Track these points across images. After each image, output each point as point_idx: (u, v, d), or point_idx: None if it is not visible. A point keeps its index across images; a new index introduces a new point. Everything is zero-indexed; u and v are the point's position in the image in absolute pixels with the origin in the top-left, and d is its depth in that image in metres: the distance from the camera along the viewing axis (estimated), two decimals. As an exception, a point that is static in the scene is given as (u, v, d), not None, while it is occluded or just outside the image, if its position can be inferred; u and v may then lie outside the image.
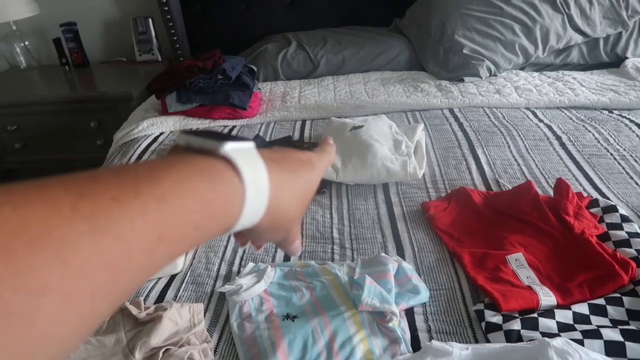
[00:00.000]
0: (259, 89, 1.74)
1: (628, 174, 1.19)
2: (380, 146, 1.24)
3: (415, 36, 1.97)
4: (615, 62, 1.92)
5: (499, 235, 0.97)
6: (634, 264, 0.84)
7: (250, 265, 0.93)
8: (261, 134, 1.50)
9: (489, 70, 1.78)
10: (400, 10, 2.15)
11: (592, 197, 1.04)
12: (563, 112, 1.54)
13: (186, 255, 0.95)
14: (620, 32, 1.90)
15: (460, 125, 1.47)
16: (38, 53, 2.38)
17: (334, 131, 1.38)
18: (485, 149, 1.32)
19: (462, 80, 1.74)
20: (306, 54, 1.96)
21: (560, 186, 1.02)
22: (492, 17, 1.86)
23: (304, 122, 1.59)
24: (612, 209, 0.99)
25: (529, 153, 1.29)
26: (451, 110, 1.57)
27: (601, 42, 1.91)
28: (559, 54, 1.91)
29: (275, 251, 0.99)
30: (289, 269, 0.91)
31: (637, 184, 1.14)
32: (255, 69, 1.79)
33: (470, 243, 0.97)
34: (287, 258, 0.97)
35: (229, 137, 0.29)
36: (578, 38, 1.88)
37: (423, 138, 1.35)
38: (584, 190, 1.13)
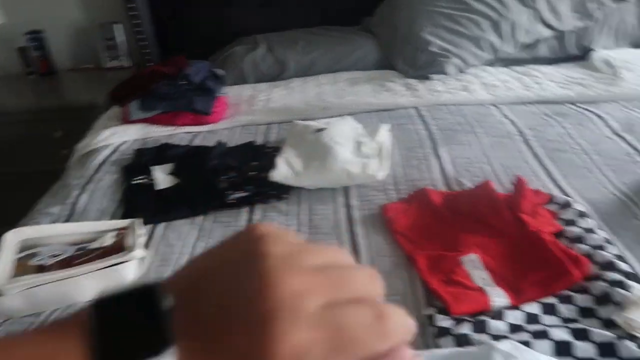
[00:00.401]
0: (226, 93, 1.72)
1: (588, 168, 1.18)
2: (341, 149, 1.23)
3: (384, 35, 1.96)
4: (583, 55, 1.91)
5: (456, 236, 0.96)
6: (585, 260, 0.84)
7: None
8: (225, 139, 1.48)
9: (457, 67, 1.77)
10: (371, 8, 2.14)
11: (550, 193, 1.04)
12: (529, 107, 1.54)
13: (137, 269, 0.93)
14: (588, 25, 1.90)
15: (426, 124, 1.46)
16: (2, 62, 2.33)
17: (296, 134, 1.36)
18: (448, 147, 1.31)
19: (429, 78, 1.73)
20: (275, 56, 1.94)
21: (518, 184, 1.02)
22: (458, 14, 1.85)
23: (270, 126, 1.57)
24: (568, 204, 0.98)
25: (493, 150, 1.29)
26: (417, 109, 1.56)
27: (569, 36, 1.91)
28: (528, 48, 1.91)
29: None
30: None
31: (596, 178, 1.14)
32: (224, 73, 1.77)
33: (427, 245, 0.96)
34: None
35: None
36: (546, 32, 1.87)
37: (388, 139, 1.34)
38: (544, 186, 1.12)
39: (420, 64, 1.79)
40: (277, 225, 0.25)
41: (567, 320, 0.76)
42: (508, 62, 1.91)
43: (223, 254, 0.24)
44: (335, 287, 0.22)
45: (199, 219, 1.12)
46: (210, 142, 1.46)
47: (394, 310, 0.23)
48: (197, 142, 1.48)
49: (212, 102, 1.57)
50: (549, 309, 0.78)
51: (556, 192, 1.09)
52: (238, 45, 2.03)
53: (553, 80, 1.70)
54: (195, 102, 1.53)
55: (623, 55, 1.82)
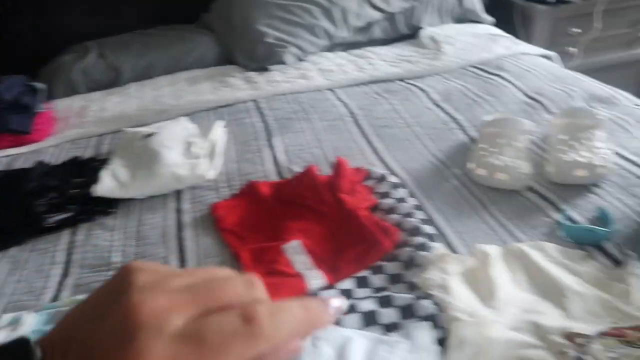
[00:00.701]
0: (51, 107, 1.58)
1: (410, 140, 1.25)
2: (169, 152, 1.18)
3: (221, 30, 1.92)
4: (414, 34, 2.03)
5: (281, 225, 0.96)
6: (395, 230, 0.88)
7: (5, 318, 0.82)
8: (52, 157, 1.36)
9: (295, 56, 1.79)
10: (208, 4, 2.08)
11: (368, 169, 1.08)
12: (362, 88, 1.60)
13: None
14: (414, 5, 2.01)
15: (263, 115, 1.45)
16: None
17: (126, 143, 1.29)
18: (282, 137, 1.32)
19: (268, 69, 1.73)
20: (108, 62, 1.82)
21: (337, 165, 1.04)
22: (291, 3, 1.86)
23: (103, 137, 1.47)
24: (384, 178, 1.03)
25: (325, 134, 1.31)
26: (256, 102, 1.55)
27: (399, 17, 2.01)
28: (363, 31, 1.98)
29: (42, 292, 0.89)
30: (56, 310, 0.82)
31: (416, 148, 1.21)
32: (44, 87, 1.62)
33: (255, 239, 0.95)
34: (55, 297, 0.88)
35: None
36: (376, 15, 1.95)
37: (222, 136, 1.31)
38: (370, 163, 1.16)
39: (258, 56, 1.78)
40: (151, 261, 0.24)
41: (377, 289, 0.79)
42: (346, 46, 1.96)
43: (94, 297, 0.23)
44: (202, 302, 0.22)
45: (13, 251, 1.01)
46: (33, 163, 1.33)
47: (277, 308, 0.23)
48: (17, 165, 1.34)
49: (32, 119, 1.43)
50: (362, 282, 0.81)
51: (381, 167, 1.14)
52: (67, 55, 1.88)
53: (385, 60, 1.78)
54: (11, 122, 1.39)
55: (446, 31, 1.95)
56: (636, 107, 1.29)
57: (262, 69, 1.75)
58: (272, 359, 0.23)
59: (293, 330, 0.23)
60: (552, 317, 0.70)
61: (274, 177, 1.15)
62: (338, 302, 0.26)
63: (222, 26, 1.92)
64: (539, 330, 0.68)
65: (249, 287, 0.24)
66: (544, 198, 0.99)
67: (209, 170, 1.15)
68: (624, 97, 1.35)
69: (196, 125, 1.35)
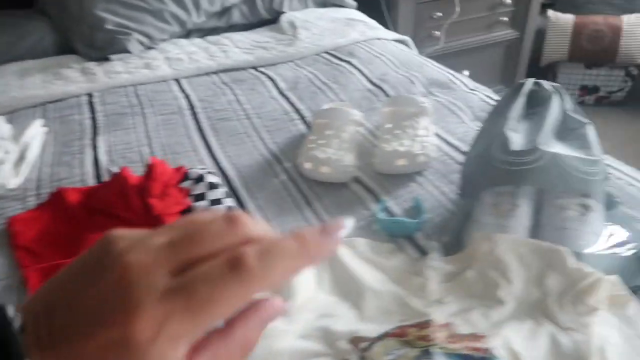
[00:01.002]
0: None
1: (247, 133, 1.19)
2: (-36, 160, 1.02)
3: (58, 16, 1.73)
4: (275, 19, 1.96)
5: (83, 238, 0.86)
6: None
7: None
8: None
9: (141, 44, 1.66)
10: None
11: (188, 169, 1.00)
12: (211, 77, 1.51)
13: None
14: (274, -12, 1.95)
15: (94, 111, 1.32)
16: None
17: None
18: (109, 135, 1.20)
19: (109, 59, 1.59)
20: None
21: (149, 167, 0.96)
22: (135, -13, 1.72)
23: None
24: (201, 178, 0.96)
25: (157, 131, 1.22)
26: (90, 96, 1.41)
27: (259, 0, 1.93)
28: (221, 16, 1.88)
29: None
30: None
31: (252, 142, 1.15)
32: None
33: (50, 256, 0.84)
34: None
35: None
36: (233, -2, 1.86)
37: (39, 136, 1.17)
38: (200, 160, 1.09)
39: (98, 45, 1.62)
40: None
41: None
42: (204, 32, 1.86)
43: (76, 265, 0.23)
44: (184, 253, 0.22)
45: None
46: None
47: (266, 246, 0.22)
48: None
49: None
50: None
51: (211, 164, 1.07)
52: None
53: (240, 47, 1.70)
54: None
55: (307, 16, 1.90)
56: (470, 91, 1.33)
57: (104, 58, 1.61)
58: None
59: (286, 267, 0.22)
60: (345, 321, 0.68)
61: (91, 182, 1.04)
62: (350, 223, 0.24)
63: (58, 12, 1.73)
64: (329, 337, 0.66)
65: (231, 225, 0.23)
66: (368, 190, 0.97)
67: (12, 177, 1.02)
68: (461, 81, 1.38)
69: (11, 125, 1.20)
